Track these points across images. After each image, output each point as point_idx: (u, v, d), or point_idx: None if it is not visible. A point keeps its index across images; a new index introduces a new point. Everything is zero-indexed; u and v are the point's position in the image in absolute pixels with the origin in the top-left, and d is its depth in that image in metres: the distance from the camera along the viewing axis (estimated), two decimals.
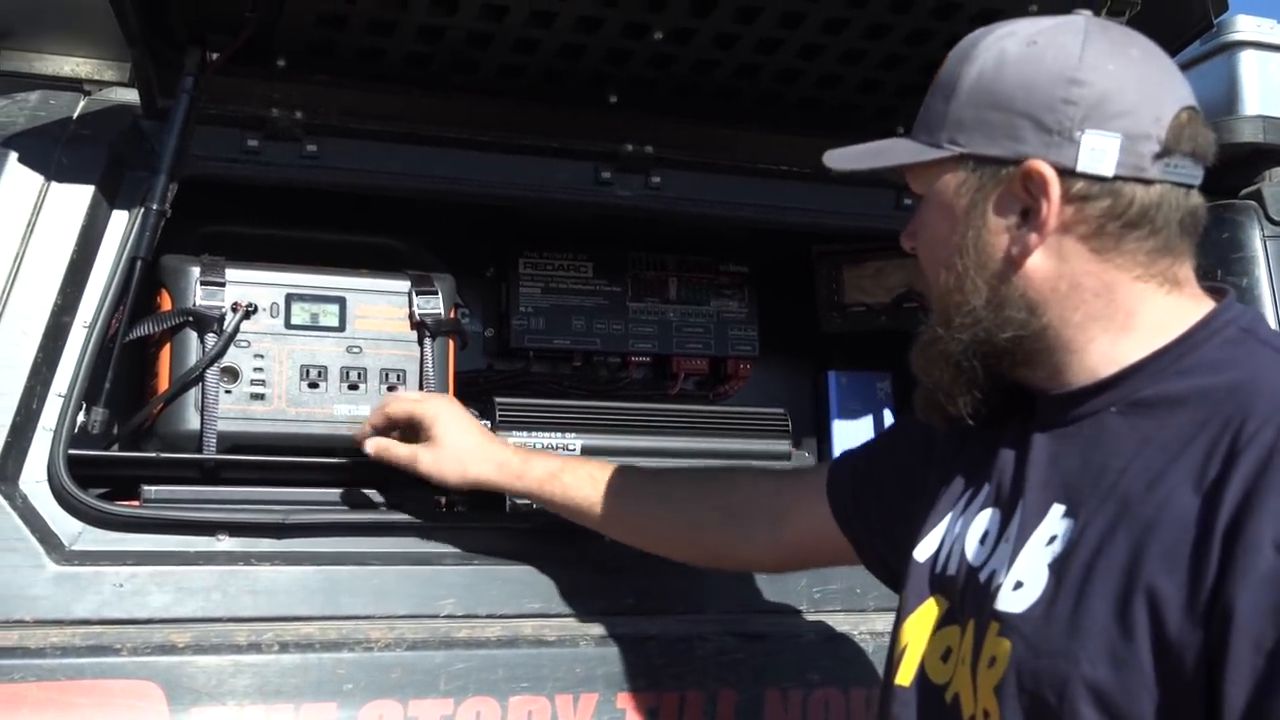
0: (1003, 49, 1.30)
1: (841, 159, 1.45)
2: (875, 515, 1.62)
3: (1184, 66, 2.61)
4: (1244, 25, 2.61)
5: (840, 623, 1.96)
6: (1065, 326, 1.29)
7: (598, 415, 2.41)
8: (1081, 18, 1.32)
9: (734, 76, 2.15)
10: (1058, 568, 1.21)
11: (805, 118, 2.27)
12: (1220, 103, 2.58)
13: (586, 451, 2.37)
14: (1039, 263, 1.28)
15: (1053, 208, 1.25)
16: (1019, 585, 1.23)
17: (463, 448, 1.89)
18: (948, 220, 1.33)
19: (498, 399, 2.36)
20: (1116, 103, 1.25)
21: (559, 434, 2.37)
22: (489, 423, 2.33)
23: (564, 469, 1.88)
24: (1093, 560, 1.18)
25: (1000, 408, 1.37)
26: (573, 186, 2.20)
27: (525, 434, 2.35)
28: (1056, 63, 1.26)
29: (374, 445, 1.91)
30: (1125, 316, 1.28)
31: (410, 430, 1.93)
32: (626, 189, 2.23)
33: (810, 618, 1.98)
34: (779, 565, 1.89)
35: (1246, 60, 2.59)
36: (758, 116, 2.26)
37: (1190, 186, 1.28)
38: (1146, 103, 1.26)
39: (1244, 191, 2.45)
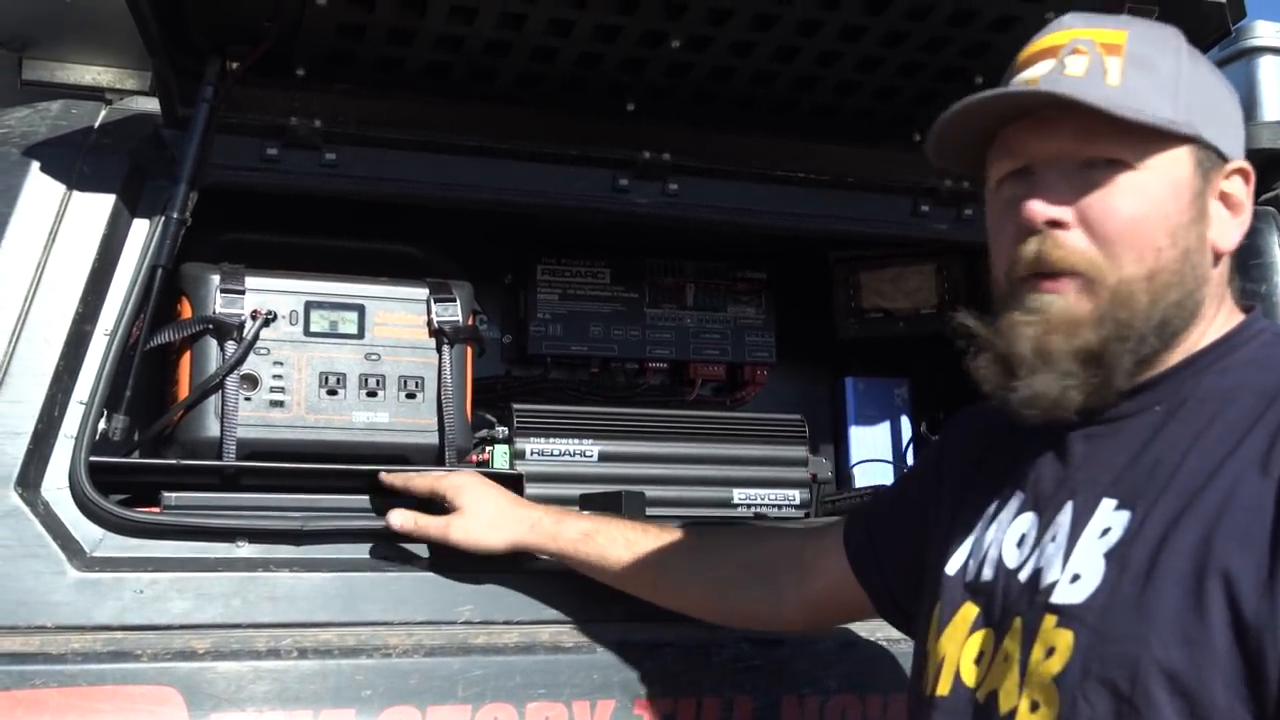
0: (1180, 48, 1.33)
1: (1075, 90, 1.28)
2: (893, 562, 1.63)
3: None
4: (1263, 31, 2.61)
5: (857, 629, 1.95)
6: (1195, 323, 1.32)
7: (615, 421, 2.43)
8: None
9: (751, 84, 2.15)
10: (1117, 557, 1.22)
11: (822, 124, 2.27)
12: None
13: (605, 457, 2.39)
14: (1227, 260, 1.35)
15: (1251, 208, 1.33)
16: (1076, 578, 1.25)
17: (493, 513, 1.87)
18: (1178, 197, 1.30)
19: (516, 405, 2.38)
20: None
21: (576, 440, 2.39)
22: (506, 430, 2.34)
23: (597, 530, 1.86)
24: (1158, 548, 1.19)
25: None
26: (590, 194, 2.21)
27: (543, 440, 2.36)
28: (1215, 72, 1.34)
29: (402, 519, 1.85)
30: (1216, 316, 1.34)
31: (436, 505, 1.90)
32: (644, 196, 2.23)
33: None
34: (808, 623, 1.85)
35: (1265, 66, 2.60)
36: (775, 124, 2.27)
37: None
38: None
39: (1263, 198, 2.45)
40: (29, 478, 1.75)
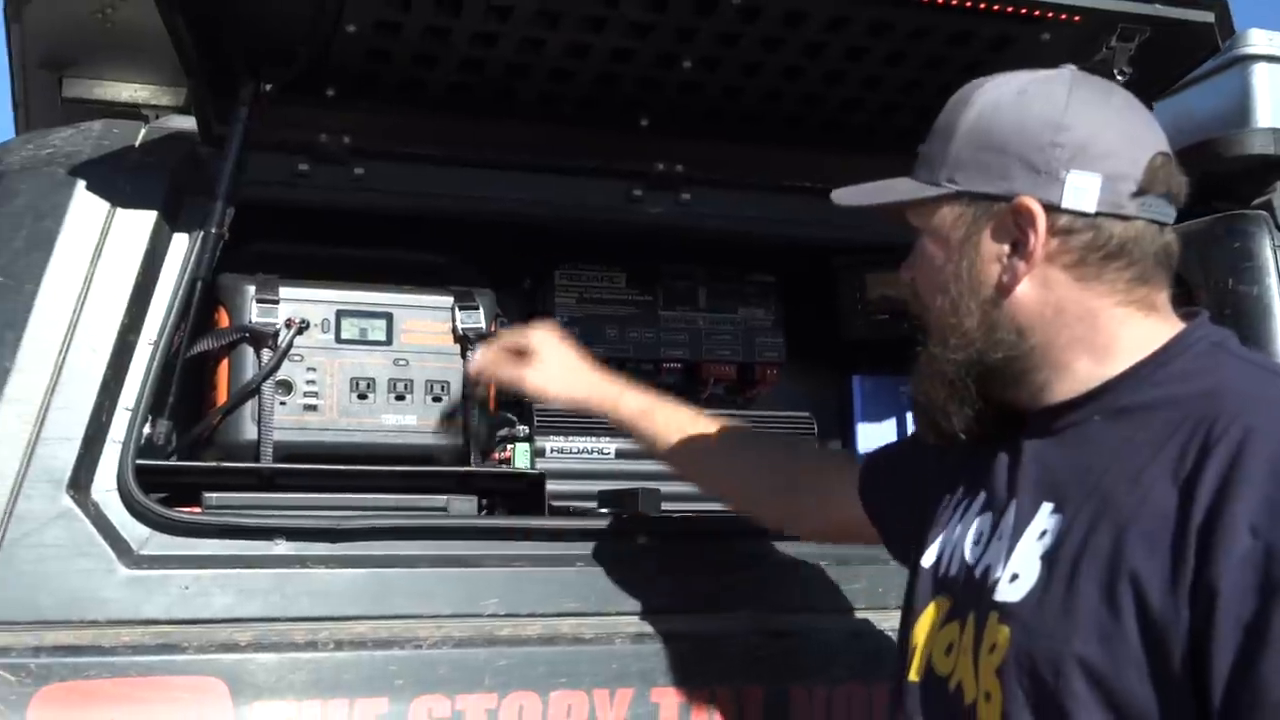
0: (997, 97, 1.42)
1: (848, 196, 1.56)
2: (897, 514, 1.73)
3: (1196, 80, 2.67)
4: (1256, 39, 2.65)
5: (863, 619, 2.04)
6: (1051, 348, 1.40)
7: None
8: (1069, 70, 1.44)
9: (760, 101, 2.23)
10: (1049, 559, 1.32)
11: (828, 138, 2.34)
12: (1233, 115, 2.64)
13: (621, 455, 2.47)
14: (1027, 290, 1.40)
15: (1039, 239, 1.37)
16: (1015, 577, 1.35)
17: (565, 368, 1.99)
18: (944, 250, 1.44)
19: (536, 405, 2.45)
20: (1098, 146, 1.36)
21: (594, 438, 2.47)
22: (526, 429, 2.43)
23: (655, 409, 1.98)
24: (1080, 550, 1.29)
25: (994, 426, 1.47)
26: (606, 204, 2.29)
27: (562, 438, 2.45)
28: (1045, 110, 1.38)
29: (478, 363, 1.99)
30: (1107, 339, 1.39)
31: (520, 359, 2.01)
32: (657, 206, 2.32)
33: (834, 615, 2.06)
34: (820, 539, 2.06)
35: (1259, 73, 2.64)
36: (782, 137, 2.34)
37: (1164, 224, 1.40)
38: (1125, 147, 1.38)
39: (1255, 202, 2.51)
40: (80, 480, 1.83)
